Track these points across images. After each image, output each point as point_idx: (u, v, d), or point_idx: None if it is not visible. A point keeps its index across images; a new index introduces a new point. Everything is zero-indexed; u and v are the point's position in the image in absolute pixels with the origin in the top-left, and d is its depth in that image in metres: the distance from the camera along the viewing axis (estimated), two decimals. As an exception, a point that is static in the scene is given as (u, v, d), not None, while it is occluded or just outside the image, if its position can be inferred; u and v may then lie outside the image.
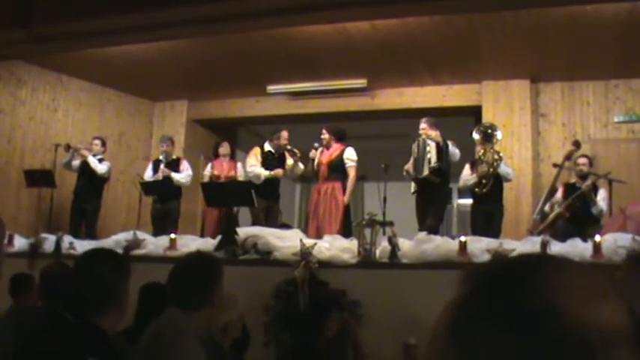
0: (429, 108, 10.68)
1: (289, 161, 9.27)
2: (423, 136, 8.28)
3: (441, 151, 8.18)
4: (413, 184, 8.41)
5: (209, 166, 10.16)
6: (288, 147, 9.20)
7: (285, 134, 9.30)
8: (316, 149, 8.93)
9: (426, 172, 8.20)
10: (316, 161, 8.89)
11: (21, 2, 7.94)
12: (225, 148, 10.15)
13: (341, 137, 8.87)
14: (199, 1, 7.22)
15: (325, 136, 8.83)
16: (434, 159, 8.15)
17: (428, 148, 8.18)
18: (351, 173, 8.63)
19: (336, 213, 8.42)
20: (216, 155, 10.22)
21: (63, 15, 7.79)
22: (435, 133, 8.22)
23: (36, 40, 8.34)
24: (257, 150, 9.26)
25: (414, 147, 8.33)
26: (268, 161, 9.18)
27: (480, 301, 0.73)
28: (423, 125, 8.40)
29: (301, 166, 9.24)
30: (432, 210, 8.33)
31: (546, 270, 0.75)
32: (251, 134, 13.37)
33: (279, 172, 9.15)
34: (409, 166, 8.35)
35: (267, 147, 9.32)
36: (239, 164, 10.03)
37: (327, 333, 4.80)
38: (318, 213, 8.55)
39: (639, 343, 0.72)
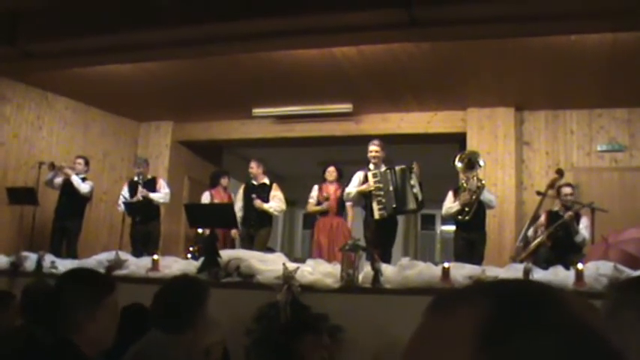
0: (414, 134, 10.75)
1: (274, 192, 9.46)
2: (402, 167, 8.30)
3: (421, 184, 8.27)
4: (377, 209, 8.24)
5: (207, 194, 10.20)
6: None
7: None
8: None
9: (412, 205, 8.29)
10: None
11: (7, 19, 7.92)
12: (225, 181, 10.38)
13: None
14: (186, 23, 7.22)
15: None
16: (419, 194, 8.24)
17: (412, 182, 8.20)
18: None
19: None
20: (214, 184, 10.32)
21: (49, 33, 7.77)
22: (417, 167, 8.27)
23: (22, 58, 8.31)
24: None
25: (388, 175, 8.29)
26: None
27: (518, 314, 0.72)
28: (375, 147, 8.45)
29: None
30: (392, 238, 8.46)
31: (561, 292, 0.75)
32: (236, 157, 13.36)
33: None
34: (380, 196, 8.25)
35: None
36: (233, 195, 10.13)
37: (307, 358, 4.73)
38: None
39: None
